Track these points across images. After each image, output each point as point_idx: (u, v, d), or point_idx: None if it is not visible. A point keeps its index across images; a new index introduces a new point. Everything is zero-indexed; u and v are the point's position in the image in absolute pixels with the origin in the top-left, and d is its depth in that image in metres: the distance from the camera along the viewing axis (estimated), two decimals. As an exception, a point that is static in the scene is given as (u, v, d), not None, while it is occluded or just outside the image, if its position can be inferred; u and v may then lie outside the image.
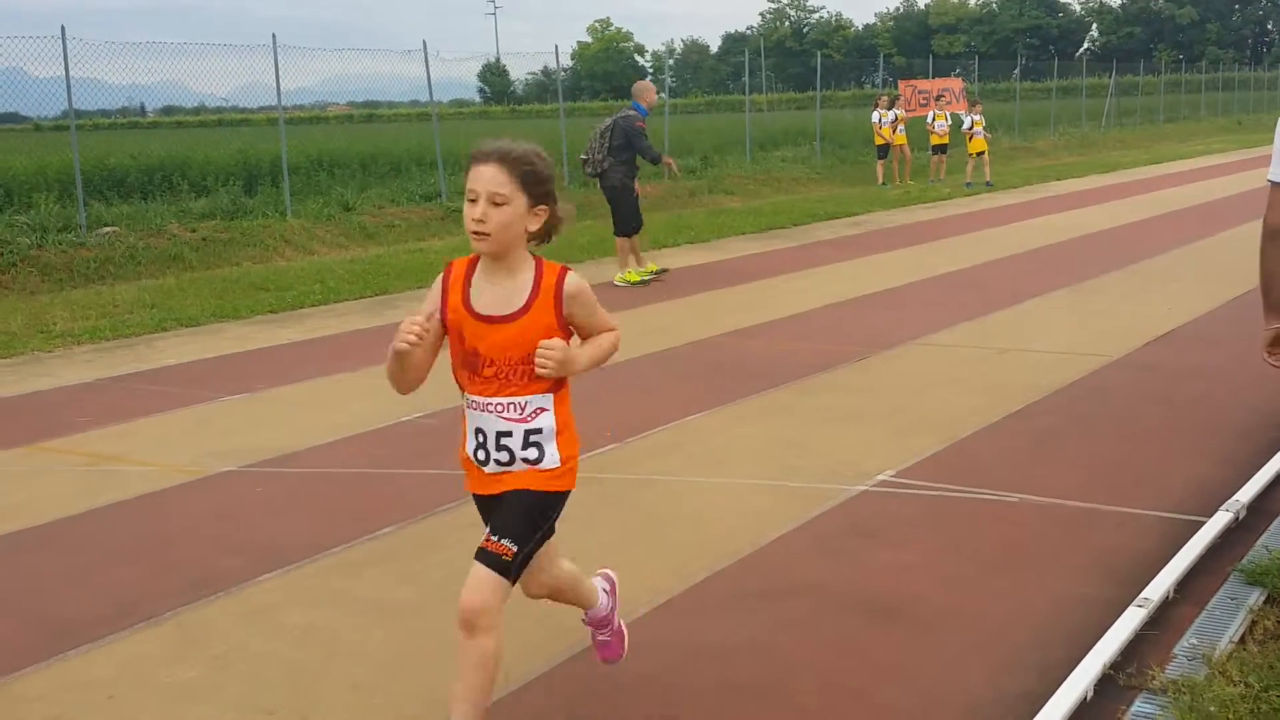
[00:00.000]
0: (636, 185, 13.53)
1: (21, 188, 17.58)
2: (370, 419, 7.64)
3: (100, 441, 7.41)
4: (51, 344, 10.59)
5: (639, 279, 13.20)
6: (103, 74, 18.88)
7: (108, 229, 15.95)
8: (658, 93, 13.60)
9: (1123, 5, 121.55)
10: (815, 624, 4.45)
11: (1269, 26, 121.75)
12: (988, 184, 25.90)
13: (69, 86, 16.25)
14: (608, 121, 13.37)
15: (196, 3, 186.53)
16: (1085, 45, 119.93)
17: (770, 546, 5.25)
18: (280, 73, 18.70)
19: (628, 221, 13.33)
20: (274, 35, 18.32)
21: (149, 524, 5.86)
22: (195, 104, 40.60)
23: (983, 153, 26.49)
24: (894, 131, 27.14)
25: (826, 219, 20.26)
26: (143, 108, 38.93)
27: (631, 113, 13.28)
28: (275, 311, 12.12)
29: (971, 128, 26.63)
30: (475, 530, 5.46)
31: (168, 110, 42.42)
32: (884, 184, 26.80)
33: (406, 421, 7.57)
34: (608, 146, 13.13)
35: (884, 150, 27.37)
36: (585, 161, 13.44)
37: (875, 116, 27.48)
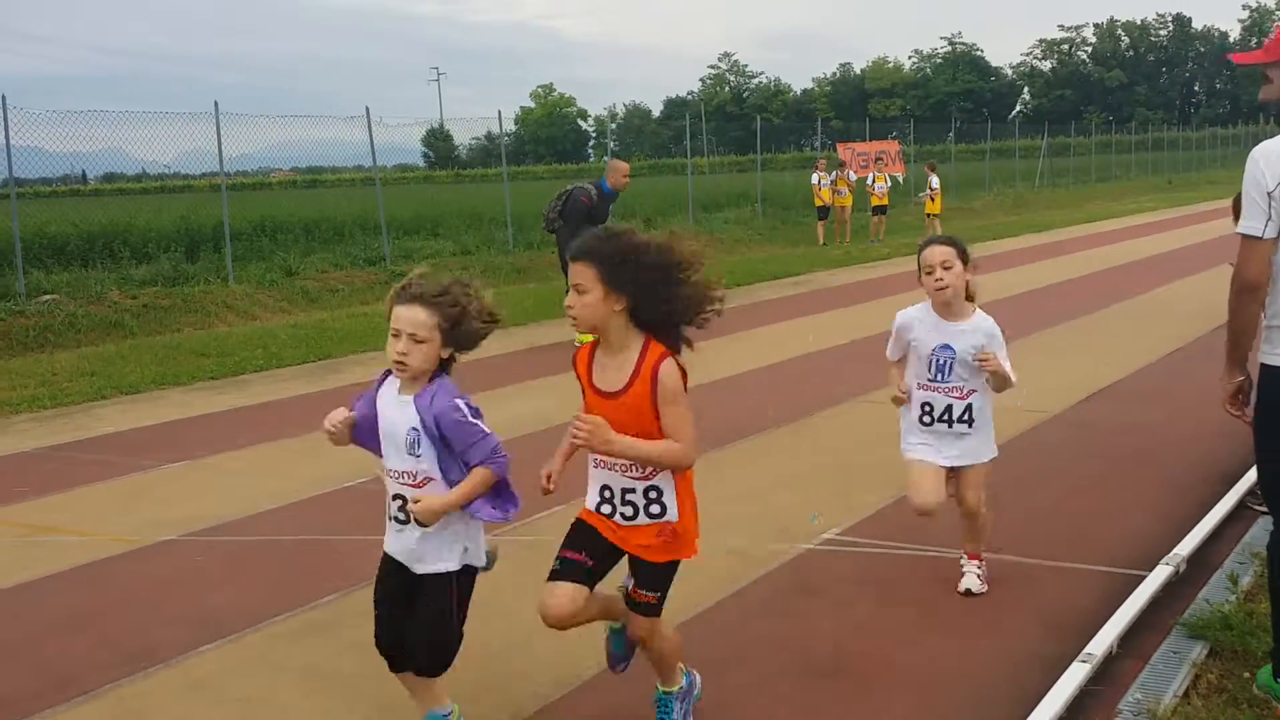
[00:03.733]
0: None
1: (-41, 256, 17.35)
2: (312, 485, 7.58)
3: (38, 511, 7.29)
4: (-12, 413, 10.43)
5: (589, 340, 13.23)
6: (44, 142, 18.77)
7: (48, 297, 15.79)
8: (625, 175, 13.58)
9: (1053, 69, 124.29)
10: (762, 683, 4.45)
11: (1196, 88, 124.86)
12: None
13: (9, 155, 16.17)
14: (570, 187, 13.56)
15: (140, 71, 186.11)
16: (1018, 108, 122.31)
17: (717, 606, 5.25)
18: (223, 139, 18.67)
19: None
20: (216, 103, 18.31)
21: (87, 595, 5.76)
22: (137, 171, 40.31)
23: (935, 215, 26.84)
24: (834, 193, 27.54)
25: (769, 279, 20.43)
26: (84, 175, 38.64)
27: (590, 186, 13.42)
28: (216, 378, 12.02)
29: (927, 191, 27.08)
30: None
31: (109, 177, 42.12)
32: (825, 244, 27.12)
33: (349, 487, 7.51)
34: (560, 209, 13.32)
35: (824, 211, 27.74)
36: (545, 216, 13.71)
37: (815, 179, 27.88)
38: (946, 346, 5.14)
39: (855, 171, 29.46)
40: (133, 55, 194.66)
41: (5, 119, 15.83)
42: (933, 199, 26.93)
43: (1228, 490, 6.52)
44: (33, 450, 9.07)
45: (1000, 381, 5.13)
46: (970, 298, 5.21)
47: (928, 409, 5.22)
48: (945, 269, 5.01)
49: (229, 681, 4.65)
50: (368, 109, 21.45)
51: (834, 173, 27.98)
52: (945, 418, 5.22)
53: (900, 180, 33.34)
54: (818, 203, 27.88)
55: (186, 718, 4.35)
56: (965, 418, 5.21)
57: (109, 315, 15.49)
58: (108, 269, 18.24)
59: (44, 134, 18.20)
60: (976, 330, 5.14)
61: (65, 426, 9.89)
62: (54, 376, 12.10)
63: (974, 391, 5.20)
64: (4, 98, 15.76)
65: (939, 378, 5.18)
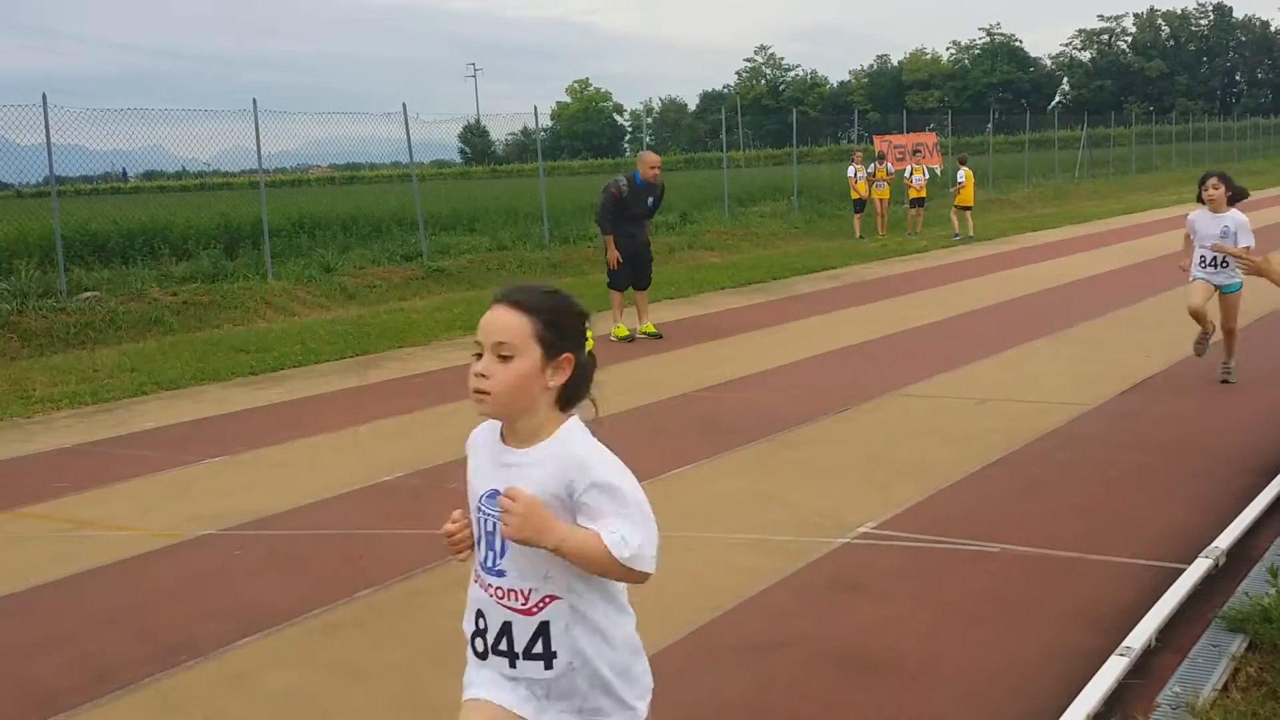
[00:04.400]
0: (610, 251, 13.51)
1: (2, 254, 17.58)
2: (351, 480, 7.62)
3: (79, 507, 7.37)
4: (31, 410, 10.55)
5: (624, 335, 13.34)
6: (85, 140, 18.97)
7: (88, 294, 15.95)
8: (654, 166, 13.53)
9: (1092, 59, 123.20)
10: (800, 678, 4.44)
11: (1237, 77, 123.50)
12: (970, 236, 26.09)
13: (50, 153, 16.30)
14: (610, 180, 13.71)
15: (179, 69, 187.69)
16: (1057, 98, 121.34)
17: (753, 600, 5.24)
18: (261, 137, 18.80)
19: (609, 274, 13.57)
20: (254, 100, 18.44)
21: (128, 589, 5.82)
22: (177, 168, 40.64)
23: (964, 207, 26.67)
24: (871, 186, 27.46)
25: (805, 273, 20.37)
26: (124, 173, 38.96)
27: (623, 179, 13.50)
28: (256, 373, 12.10)
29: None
30: (456, 590, 5.45)
31: (149, 175, 42.46)
32: (861, 237, 27.02)
33: (388, 481, 7.55)
34: (601, 202, 13.53)
35: (860, 204, 27.66)
36: (597, 211, 13.94)
37: (851, 171, 27.81)
38: (496, 495, 2.49)
39: (893, 164, 29.34)
40: (171, 55, 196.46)
41: (46, 117, 15.99)
42: (958, 192, 26.82)
43: (1268, 482, 6.44)
44: (74, 446, 9.17)
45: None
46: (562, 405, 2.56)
47: (479, 620, 2.60)
48: (502, 358, 2.46)
49: (267, 675, 4.69)
50: (404, 105, 21.58)
51: (871, 165, 27.88)
52: (504, 648, 2.54)
53: (938, 172, 33.16)
54: (854, 195, 27.79)
55: (225, 711, 4.38)
56: (539, 652, 2.53)
57: (149, 312, 15.63)
58: (148, 266, 18.40)
59: (85, 132, 18.39)
60: (565, 461, 2.48)
61: (106, 422, 9.99)
62: (95, 373, 12.22)
63: (554, 600, 2.51)
64: (45, 96, 15.94)
65: (490, 562, 2.56)
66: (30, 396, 11.05)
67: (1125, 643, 4.37)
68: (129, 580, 5.96)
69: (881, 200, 27.88)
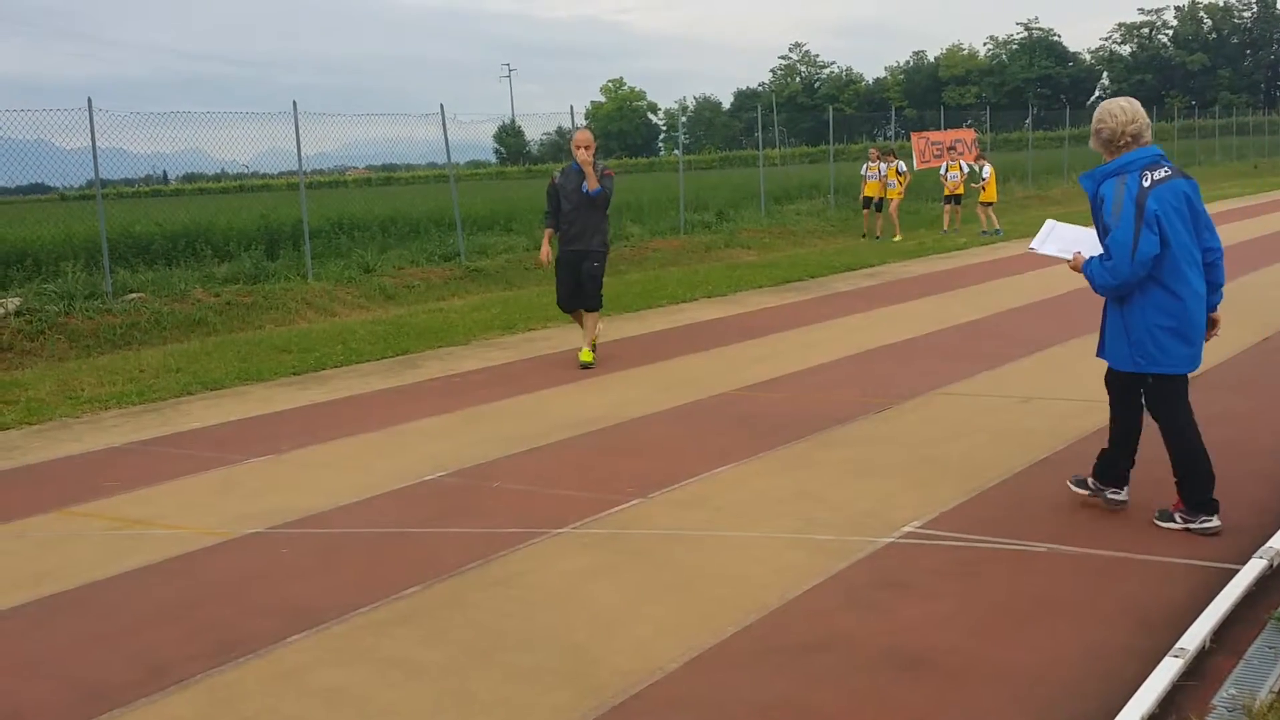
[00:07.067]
0: (543, 252, 11.99)
1: (49, 256, 17.78)
2: (394, 479, 7.66)
3: (128, 505, 7.44)
4: (79, 410, 10.66)
5: (587, 361, 11.77)
6: (126, 143, 19.11)
7: (133, 295, 16.10)
8: (577, 146, 11.48)
9: (1133, 53, 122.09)
10: (847, 677, 4.42)
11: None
12: (996, 230, 26.26)
13: (95, 157, 16.47)
14: None
15: (219, 72, 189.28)
16: (1096, 93, 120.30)
17: (799, 600, 5.23)
18: (301, 138, 18.90)
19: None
20: (294, 103, 18.53)
21: (177, 587, 5.87)
22: (217, 171, 40.99)
23: (990, 202, 26.83)
24: (884, 186, 27.13)
25: (843, 270, 20.30)
26: (165, 175, 39.36)
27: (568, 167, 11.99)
28: (298, 373, 12.18)
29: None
30: (499, 589, 5.47)
31: (190, 177, 42.86)
32: (878, 237, 26.78)
33: (430, 480, 7.59)
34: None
35: (867, 202, 27.50)
36: None
37: (864, 169, 27.71)
38: None
39: (920, 163, 29.20)
40: (211, 58, 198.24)
41: (92, 121, 16.15)
42: (983, 188, 26.88)
43: (1321, 481, 6.38)
44: (122, 445, 9.26)
45: None
46: None
47: None
48: None
49: (317, 671, 4.72)
50: (442, 106, 21.59)
51: (883, 164, 27.58)
52: None
53: (975, 169, 33.06)
54: (868, 194, 27.47)
55: (275, 707, 4.41)
56: None
57: (193, 313, 15.76)
58: (191, 267, 18.57)
59: (127, 135, 18.54)
60: None
61: (153, 422, 10.08)
62: (141, 373, 12.33)
63: None
64: (90, 100, 16.10)
65: None
66: (79, 397, 11.16)
67: (1179, 644, 4.32)
68: (179, 578, 6.02)
69: (892, 200, 27.30)
